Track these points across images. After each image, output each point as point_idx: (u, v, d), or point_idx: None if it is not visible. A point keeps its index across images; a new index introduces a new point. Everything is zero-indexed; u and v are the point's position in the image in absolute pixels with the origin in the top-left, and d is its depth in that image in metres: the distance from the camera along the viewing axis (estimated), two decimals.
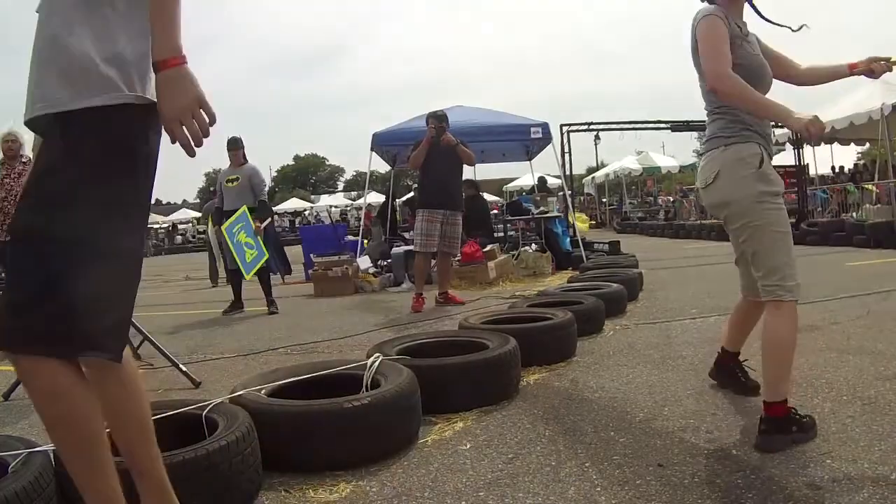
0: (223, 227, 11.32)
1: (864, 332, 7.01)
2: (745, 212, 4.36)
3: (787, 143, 26.86)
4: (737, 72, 4.21)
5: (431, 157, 11.17)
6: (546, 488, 3.71)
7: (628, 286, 10.34)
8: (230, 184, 12.35)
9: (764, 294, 4.34)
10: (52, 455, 3.55)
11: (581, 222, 30.88)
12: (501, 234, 19.31)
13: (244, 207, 11.43)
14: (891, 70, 4.67)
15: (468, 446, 4.50)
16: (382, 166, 21.51)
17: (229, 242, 11.26)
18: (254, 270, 11.57)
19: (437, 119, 11.28)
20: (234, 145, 12.46)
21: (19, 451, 3.45)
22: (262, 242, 11.67)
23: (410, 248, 13.61)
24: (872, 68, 4.62)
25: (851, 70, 4.72)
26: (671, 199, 47.04)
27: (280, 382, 4.85)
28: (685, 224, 32.90)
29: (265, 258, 11.79)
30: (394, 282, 15.37)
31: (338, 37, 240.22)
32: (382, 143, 17.20)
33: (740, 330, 5.29)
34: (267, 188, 12.49)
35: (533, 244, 17.46)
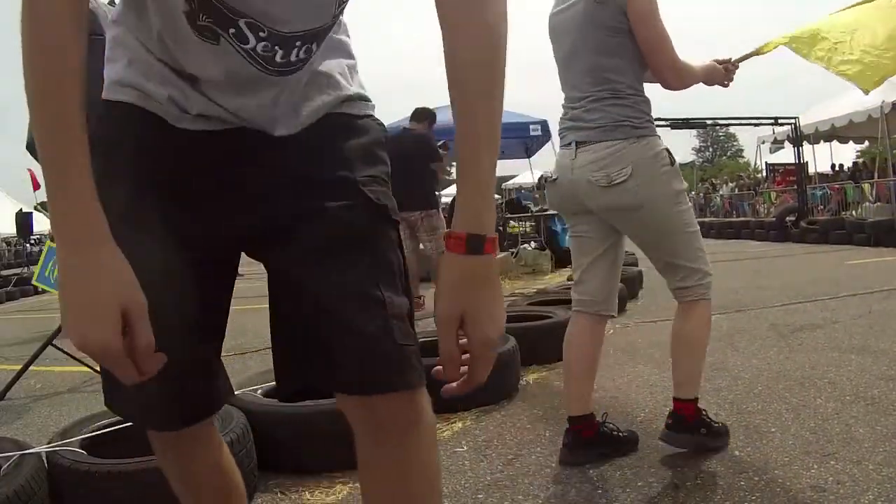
0: (35, 282, 11.15)
1: (867, 330, 6.95)
2: (666, 208, 3.85)
3: (787, 142, 26.86)
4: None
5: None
6: (546, 490, 3.67)
7: (628, 284, 10.26)
8: None
9: (687, 295, 3.96)
10: (44, 457, 3.50)
11: None
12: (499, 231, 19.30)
13: (47, 243, 11.11)
14: (735, 68, 4.19)
15: (466, 447, 4.46)
16: None
17: (52, 290, 11.21)
18: None
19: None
20: None
21: (11, 454, 3.39)
22: None
23: None
24: (713, 76, 4.14)
25: None
26: None
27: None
28: None
29: None
30: None
31: None
32: None
33: (587, 377, 4.29)
34: None
35: (532, 242, 17.41)
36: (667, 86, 3.97)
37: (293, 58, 1.72)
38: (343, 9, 1.78)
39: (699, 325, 3.99)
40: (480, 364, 1.63)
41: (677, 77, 3.92)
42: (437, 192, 11.87)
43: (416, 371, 1.75)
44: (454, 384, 1.67)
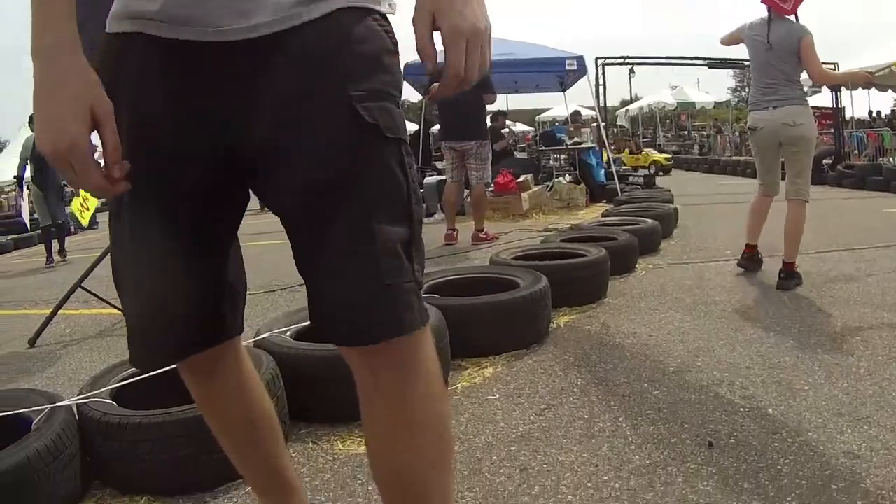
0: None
1: None
2: (811, 143, 7.16)
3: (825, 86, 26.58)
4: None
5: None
6: (579, 445, 3.66)
7: (663, 222, 10.32)
8: None
9: (797, 194, 7.05)
10: (75, 409, 3.50)
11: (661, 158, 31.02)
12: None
13: None
14: (871, 76, 7.13)
15: (498, 395, 4.47)
16: (414, 95, 21.26)
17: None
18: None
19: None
20: None
21: (42, 407, 3.40)
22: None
23: (443, 177, 13.51)
24: (853, 79, 8.76)
25: None
26: (706, 134, 46.51)
27: (306, 323, 4.76)
28: (720, 159, 32.54)
29: None
30: (426, 212, 15.06)
31: None
32: (413, 73, 16.94)
33: (760, 225, 7.70)
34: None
35: (567, 175, 17.34)
36: (816, 82, 8.45)
37: None
38: None
39: (803, 218, 7.05)
40: (451, 52, 1.66)
41: (823, 79, 7.89)
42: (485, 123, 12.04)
43: (409, 311, 1.74)
44: (436, 84, 1.71)
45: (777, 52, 7.07)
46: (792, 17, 7.19)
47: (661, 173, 29.34)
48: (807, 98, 7.27)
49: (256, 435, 2.29)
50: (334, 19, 1.70)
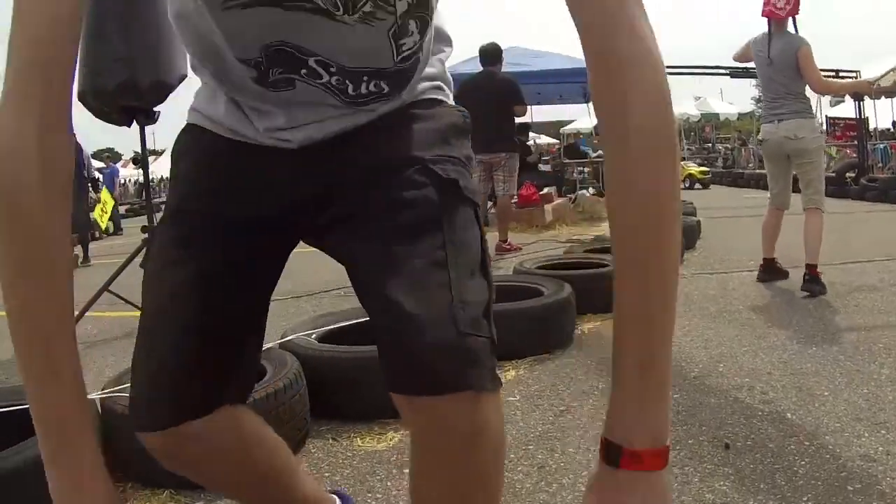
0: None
1: None
2: (814, 154, 7.39)
3: (847, 96, 26.46)
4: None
5: (473, 100, 10.76)
6: (597, 444, 3.61)
7: (686, 234, 10.20)
8: None
9: (811, 203, 7.30)
10: (98, 404, 3.55)
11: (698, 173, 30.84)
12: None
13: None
14: (873, 85, 7.64)
15: (519, 396, 4.49)
16: None
17: None
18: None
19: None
20: None
21: None
22: None
23: None
24: (855, 88, 8.74)
25: None
26: (730, 147, 46.34)
27: (331, 327, 4.82)
28: (743, 173, 32.33)
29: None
30: None
31: None
32: None
33: (774, 239, 7.91)
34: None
35: (590, 188, 17.36)
36: (816, 92, 8.24)
37: (363, 90, 1.66)
38: (412, 55, 1.67)
39: (819, 224, 7.20)
40: None
41: (822, 89, 8.40)
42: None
43: (483, 369, 1.45)
44: None
45: (777, 67, 7.45)
46: (791, 28, 7.58)
47: (698, 186, 29.24)
48: (812, 111, 7.69)
49: (267, 489, 2.08)
50: (407, 106, 1.76)
